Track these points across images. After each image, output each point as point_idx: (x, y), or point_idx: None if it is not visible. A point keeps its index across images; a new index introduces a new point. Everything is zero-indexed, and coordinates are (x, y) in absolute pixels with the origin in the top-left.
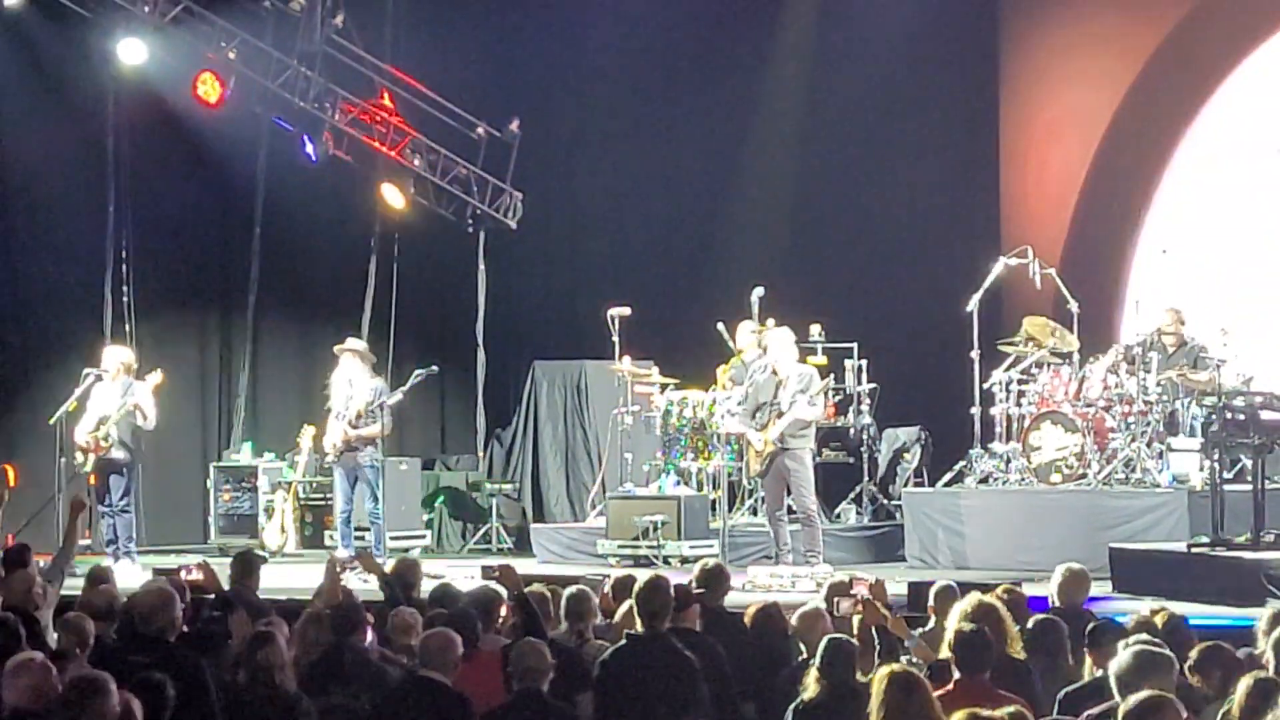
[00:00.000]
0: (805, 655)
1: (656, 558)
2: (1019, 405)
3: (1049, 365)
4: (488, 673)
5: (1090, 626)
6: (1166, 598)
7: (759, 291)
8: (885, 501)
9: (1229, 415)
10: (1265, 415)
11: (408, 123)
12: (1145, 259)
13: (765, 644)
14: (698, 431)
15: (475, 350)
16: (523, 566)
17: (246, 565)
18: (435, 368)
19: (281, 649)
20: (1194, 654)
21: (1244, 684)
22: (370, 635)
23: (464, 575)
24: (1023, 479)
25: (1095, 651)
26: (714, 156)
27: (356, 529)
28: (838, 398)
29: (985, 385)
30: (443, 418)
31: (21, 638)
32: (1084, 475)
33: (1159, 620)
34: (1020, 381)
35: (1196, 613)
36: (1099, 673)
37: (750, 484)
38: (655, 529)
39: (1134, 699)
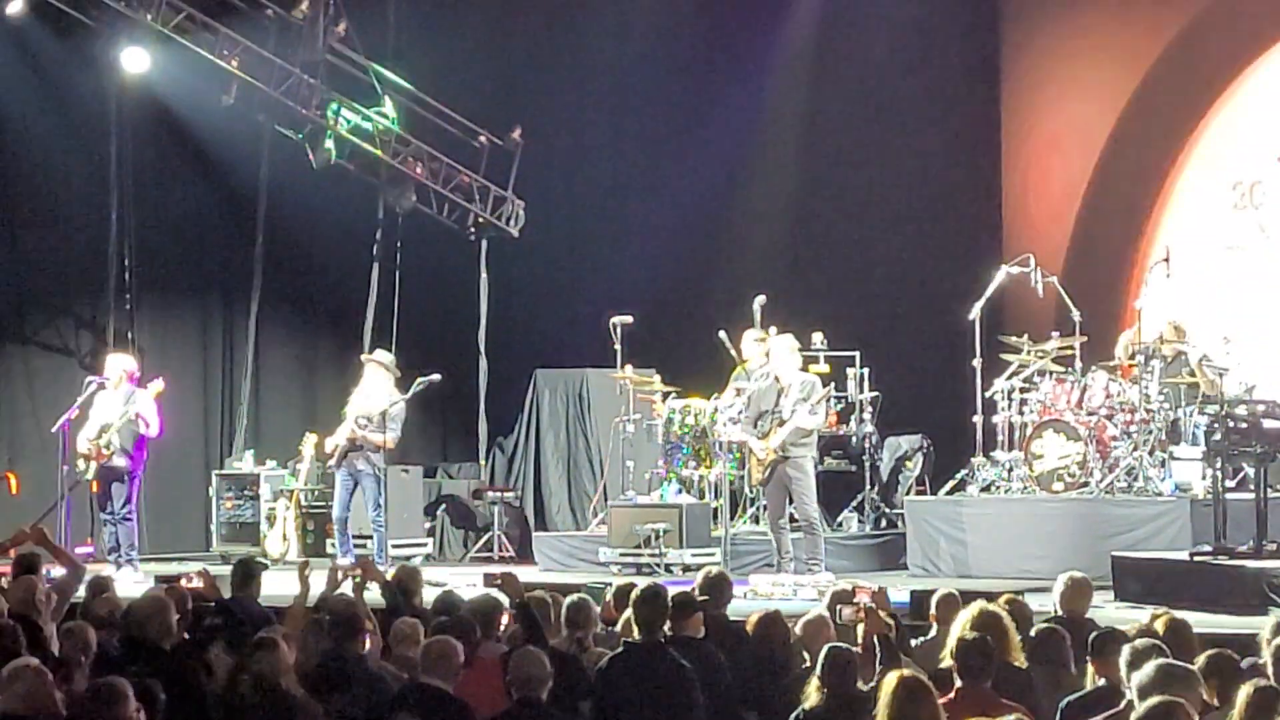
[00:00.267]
0: (809, 664)
1: (658, 566)
2: (1021, 414)
3: (1051, 374)
4: (489, 680)
5: (1093, 635)
6: (1169, 606)
7: (761, 300)
8: (887, 510)
9: (1231, 424)
10: (1268, 424)
11: (410, 131)
12: (1147, 267)
13: (767, 652)
14: (699, 439)
15: (477, 358)
16: (524, 574)
17: (247, 573)
18: (437, 376)
19: (284, 655)
20: (1200, 661)
21: (1244, 692)
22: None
23: (465, 583)
24: (1025, 487)
25: (1097, 660)
26: (716, 165)
27: (357, 536)
28: (840, 406)
29: (987, 393)
30: (444, 426)
31: (22, 644)
32: (1086, 484)
33: (1160, 626)
34: (1022, 390)
35: (1198, 621)
36: (1101, 681)
37: (753, 492)
38: (657, 537)
39: (1144, 706)
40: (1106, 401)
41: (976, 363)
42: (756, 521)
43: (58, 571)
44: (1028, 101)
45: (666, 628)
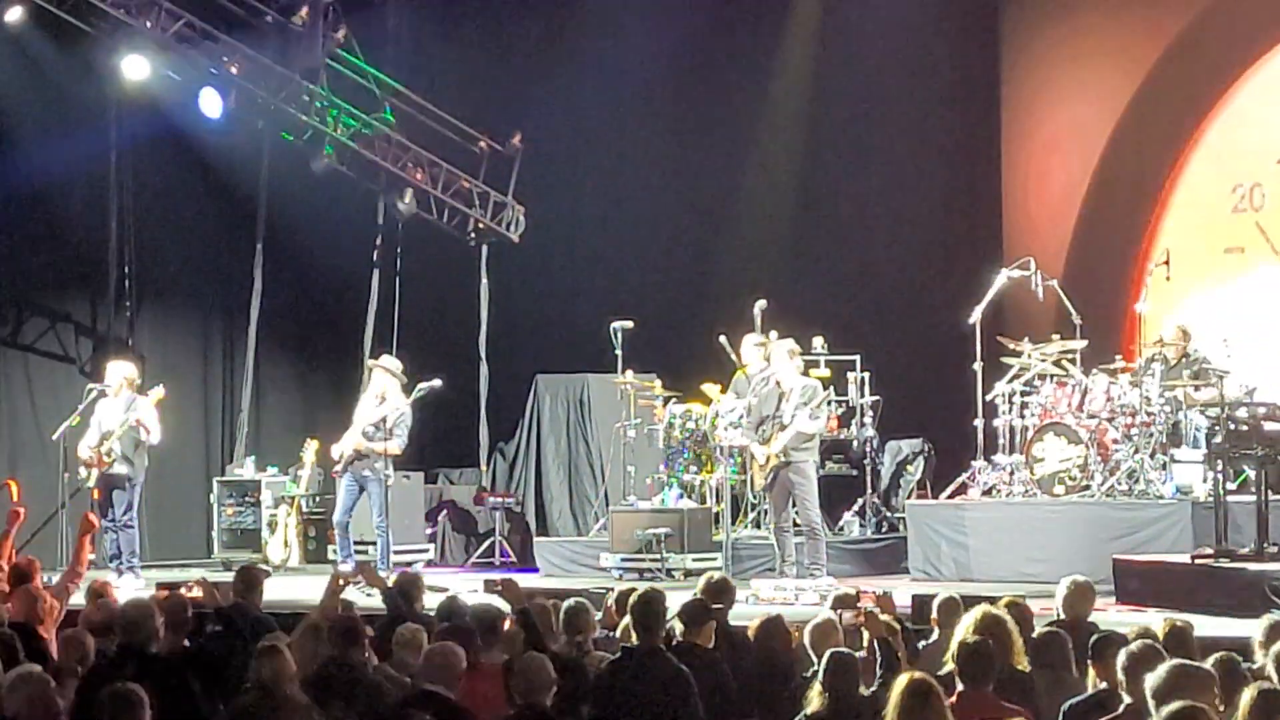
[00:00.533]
0: (814, 668)
1: (660, 571)
2: (1022, 417)
3: (1051, 377)
4: (490, 686)
5: (1093, 638)
6: (1170, 609)
7: (761, 304)
8: (888, 513)
9: (1232, 426)
10: (1269, 426)
11: (410, 136)
12: (1147, 270)
13: (769, 657)
14: (700, 444)
15: (478, 363)
16: (526, 580)
17: (250, 579)
18: (438, 381)
19: (288, 661)
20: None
21: (1247, 696)
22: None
23: (466, 589)
24: (1026, 491)
25: (1098, 664)
26: (716, 169)
27: (358, 542)
28: (840, 410)
29: (988, 397)
30: (445, 431)
31: (19, 653)
32: (1087, 487)
33: (1160, 629)
34: (1023, 393)
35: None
36: (1102, 685)
37: (755, 497)
38: (658, 542)
39: (1166, 710)
40: (1107, 404)
41: (977, 366)
42: (757, 526)
43: (54, 578)
44: (1028, 104)
45: (679, 634)
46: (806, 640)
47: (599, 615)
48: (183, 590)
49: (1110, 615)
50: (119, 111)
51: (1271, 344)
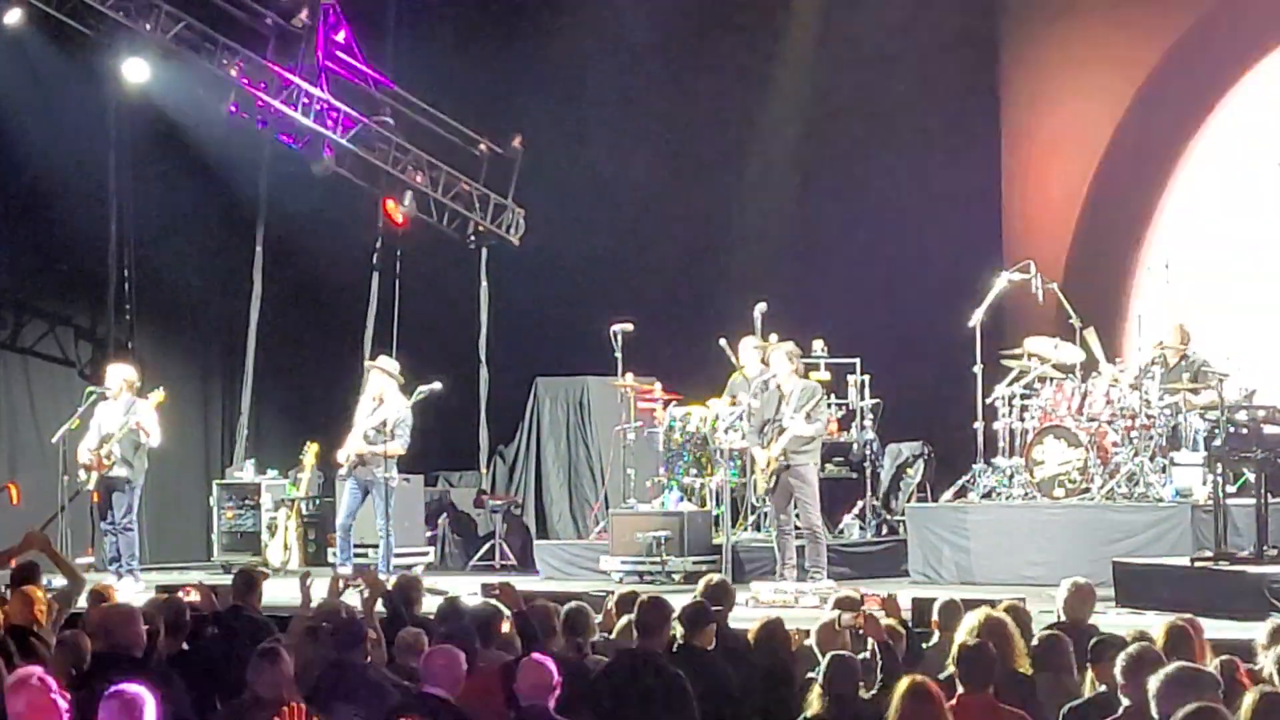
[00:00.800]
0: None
1: (660, 574)
2: (1022, 420)
3: (1052, 380)
4: (489, 689)
5: (1092, 641)
6: (1170, 612)
7: (761, 307)
8: (888, 516)
9: (1232, 429)
10: (1268, 429)
11: (410, 139)
12: (1147, 273)
13: (769, 660)
14: (700, 447)
15: (478, 366)
16: (525, 583)
17: (248, 582)
18: (438, 384)
19: (288, 664)
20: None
21: (1249, 698)
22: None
23: (465, 592)
24: (1026, 494)
25: (1097, 666)
26: (716, 172)
27: (359, 545)
28: (840, 413)
29: (988, 400)
30: (445, 434)
31: (14, 655)
32: (1087, 490)
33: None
34: (1023, 396)
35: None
36: (1101, 688)
37: (758, 501)
38: (658, 545)
39: (1182, 713)
40: (1107, 407)
41: (977, 369)
42: (757, 529)
43: (59, 582)
44: (1028, 107)
45: (680, 637)
46: (813, 641)
47: (598, 618)
48: (180, 594)
49: (1110, 618)
50: (119, 114)
51: (1271, 347)
